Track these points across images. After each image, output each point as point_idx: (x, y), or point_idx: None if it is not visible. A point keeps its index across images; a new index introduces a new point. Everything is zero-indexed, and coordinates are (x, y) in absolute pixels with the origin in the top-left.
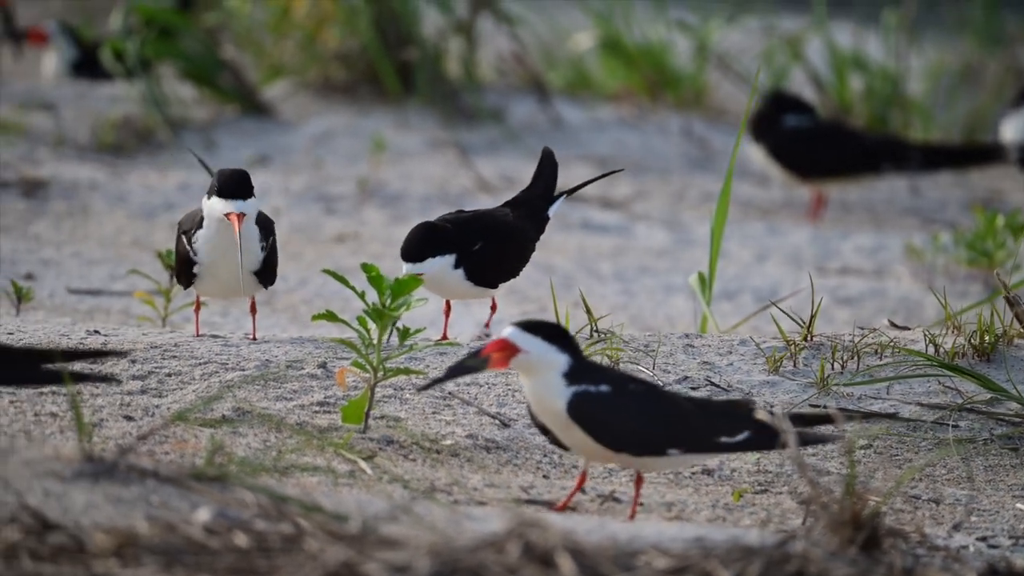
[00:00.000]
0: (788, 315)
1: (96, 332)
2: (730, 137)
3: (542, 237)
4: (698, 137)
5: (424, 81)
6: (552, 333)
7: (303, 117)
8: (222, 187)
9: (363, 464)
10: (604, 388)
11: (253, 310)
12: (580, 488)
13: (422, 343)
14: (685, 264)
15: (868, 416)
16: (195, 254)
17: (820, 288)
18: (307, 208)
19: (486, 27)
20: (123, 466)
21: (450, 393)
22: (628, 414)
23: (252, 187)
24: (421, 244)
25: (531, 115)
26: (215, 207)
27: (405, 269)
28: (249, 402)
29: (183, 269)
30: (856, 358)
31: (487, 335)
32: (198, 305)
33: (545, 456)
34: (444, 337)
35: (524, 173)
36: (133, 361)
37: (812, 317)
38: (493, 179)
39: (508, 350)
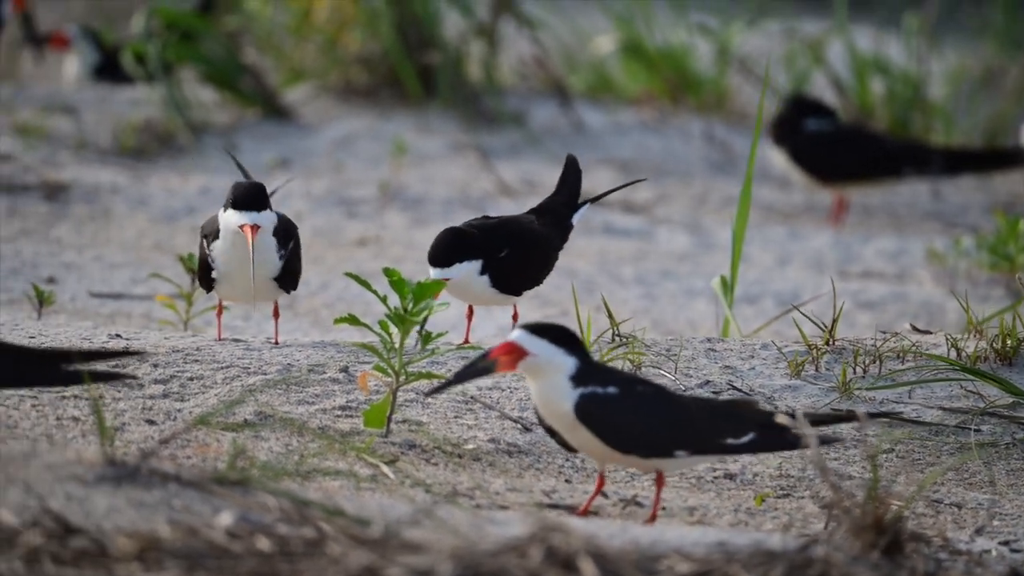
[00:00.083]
0: (810, 319)
1: (118, 336)
2: (752, 141)
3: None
4: (719, 141)
5: (445, 84)
6: (559, 335)
7: (324, 121)
8: (236, 199)
9: (385, 468)
10: (611, 390)
11: (276, 314)
12: (600, 492)
13: (444, 347)
14: (707, 268)
15: (885, 416)
16: (212, 262)
17: (842, 292)
18: (328, 212)
19: (507, 30)
20: (145, 470)
21: (472, 397)
22: (635, 416)
23: (267, 200)
24: (448, 249)
25: (552, 119)
26: (230, 219)
27: (432, 274)
28: (271, 406)
29: (204, 274)
30: (878, 362)
31: None
32: (220, 309)
33: (567, 460)
34: (466, 341)
35: (545, 177)
36: (155, 365)
37: (834, 321)
38: (514, 183)
39: (515, 353)
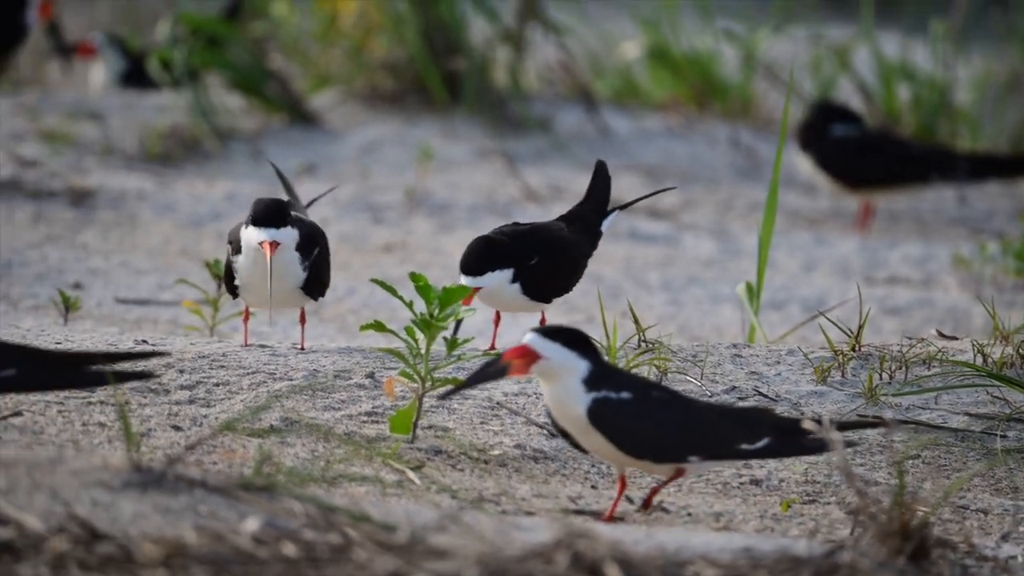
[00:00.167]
0: (836, 325)
1: (144, 342)
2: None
3: None
4: (745, 147)
5: (471, 90)
6: (572, 339)
7: (350, 126)
8: (256, 217)
9: (411, 474)
10: (624, 394)
11: (302, 320)
12: (623, 495)
13: (470, 353)
14: (733, 274)
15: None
16: (236, 273)
17: (868, 298)
18: (354, 217)
19: (533, 36)
20: (171, 476)
21: (498, 403)
22: (648, 420)
23: (287, 216)
24: (480, 258)
25: (578, 124)
26: (250, 236)
27: (463, 282)
28: (297, 412)
29: (229, 281)
30: (904, 368)
31: None
32: (247, 315)
33: (593, 466)
34: (492, 347)
35: (571, 182)
36: (181, 371)
37: (860, 327)
38: (540, 188)
39: (528, 356)
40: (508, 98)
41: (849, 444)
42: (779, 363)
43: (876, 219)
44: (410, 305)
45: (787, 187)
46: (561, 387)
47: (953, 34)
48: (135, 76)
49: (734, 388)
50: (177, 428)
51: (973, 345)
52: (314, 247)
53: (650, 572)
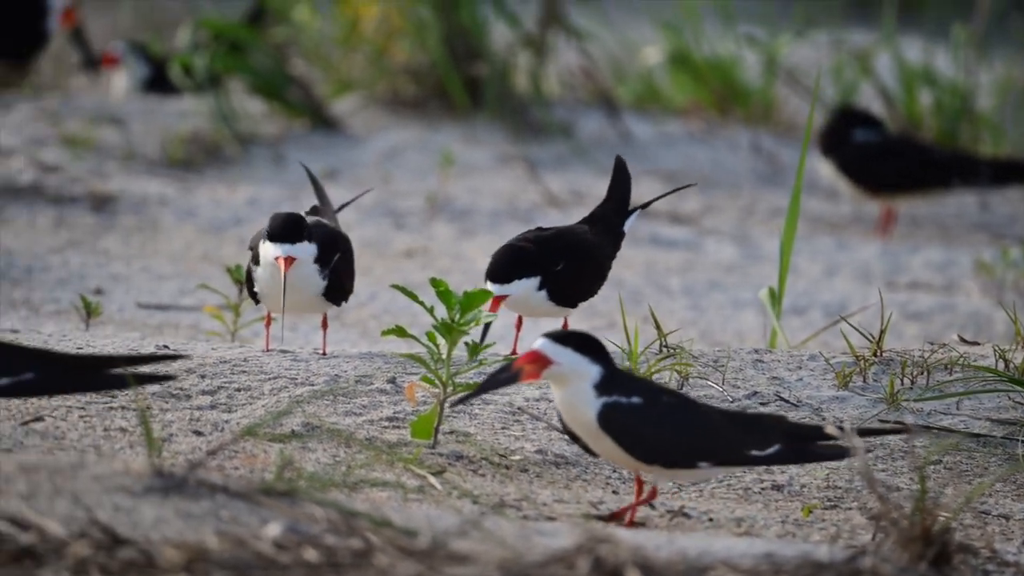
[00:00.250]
0: (857, 330)
1: (165, 347)
2: (799, 152)
3: None
4: (767, 152)
5: (493, 96)
6: (583, 344)
7: (372, 132)
8: (271, 232)
9: (432, 479)
10: (635, 400)
11: (324, 325)
12: (640, 497)
13: (492, 358)
14: (754, 279)
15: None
16: (255, 282)
17: (889, 303)
18: (376, 223)
19: (555, 42)
20: (193, 481)
21: (519, 408)
22: (659, 426)
23: (302, 231)
24: (508, 266)
25: (600, 130)
26: (267, 250)
27: (491, 289)
28: (318, 417)
29: (250, 288)
30: (926, 373)
31: None
32: (268, 320)
33: (614, 471)
34: (514, 352)
35: (593, 188)
36: (202, 376)
37: (881, 332)
38: (562, 194)
39: (540, 362)
40: (529, 103)
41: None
42: (801, 368)
43: (898, 224)
44: (431, 310)
45: (809, 192)
46: (572, 392)
47: (975, 39)
48: (158, 82)
49: (755, 393)
50: (198, 433)
51: (995, 350)
52: (333, 254)
53: None
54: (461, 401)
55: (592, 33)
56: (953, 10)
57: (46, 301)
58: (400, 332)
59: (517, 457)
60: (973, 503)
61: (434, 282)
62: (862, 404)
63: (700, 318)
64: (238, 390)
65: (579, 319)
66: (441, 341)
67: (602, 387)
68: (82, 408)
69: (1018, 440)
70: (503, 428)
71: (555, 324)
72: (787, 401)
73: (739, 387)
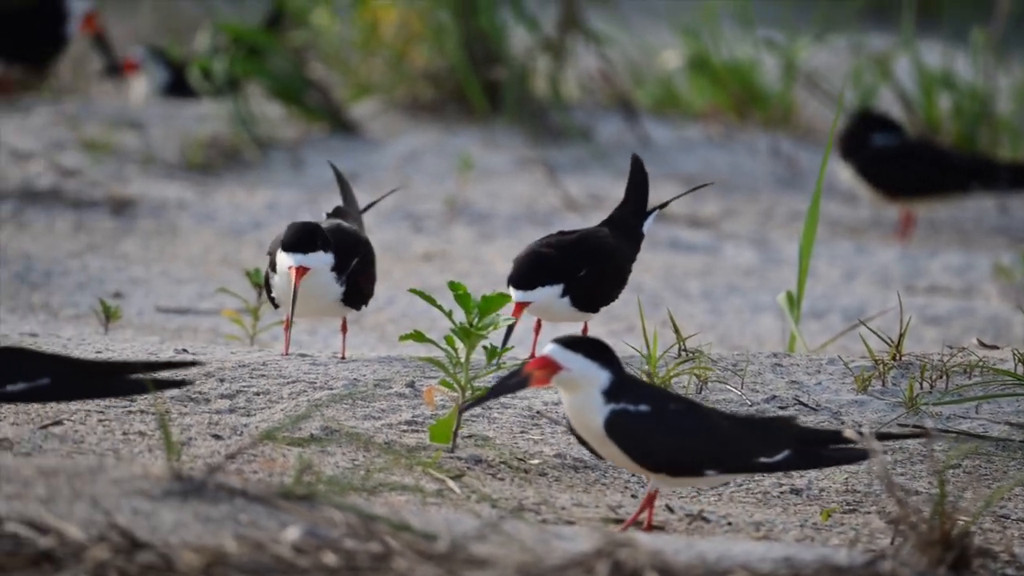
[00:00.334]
0: (876, 334)
1: (184, 351)
2: (818, 156)
3: None
4: (786, 156)
5: (511, 100)
6: (593, 349)
7: (391, 135)
8: (285, 241)
9: (451, 483)
10: (643, 407)
11: (344, 329)
12: (652, 502)
13: (510, 361)
14: (773, 283)
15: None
16: (273, 289)
17: (908, 307)
18: (395, 226)
19: (574, 46)
20: (212, 485)
21: (538, 412)
22: (665, 434)
23: (316, 241)
24: (531, 273)
25: (618, 134)
26: (281, 260)
27: (514, 296)
28: (337, 421)
29: (269, 292)
30: (945, 377)
31: None
32: (288, 324)
33: (633, 476)
34: (532, 355)
35: (612, 192)
36: (221, 380)
37: (900, 336)
38: (581, 198)
39: (550, 367)
40: (548, 107)
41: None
42: (820, 372)
43: (917, 228)
44: (449, 314)
45: (828, 196)
46: (581, 398)
47: (994, 43)
48: (177, 86)
49: (774, 397)
50: (217, 437)
51: (1014, 354)
52: (351, 260)
53: None
54: (471, 406)
55: (611, 37)
56: (972, 14)
57: (65, 305)
58: (418, 336)
59: (536, 461)
60: (992, 507)
61: (452, 286)
62: (881, 408)
63: (719, 322)
64: (257, 394)
65: (598, 323)
66: (459, 345)
67: (610, 393)
68: (101, 412)
69: None
70: (522, 432)
71: (574, 328)
72: (806, 405)
73: (758, 391)
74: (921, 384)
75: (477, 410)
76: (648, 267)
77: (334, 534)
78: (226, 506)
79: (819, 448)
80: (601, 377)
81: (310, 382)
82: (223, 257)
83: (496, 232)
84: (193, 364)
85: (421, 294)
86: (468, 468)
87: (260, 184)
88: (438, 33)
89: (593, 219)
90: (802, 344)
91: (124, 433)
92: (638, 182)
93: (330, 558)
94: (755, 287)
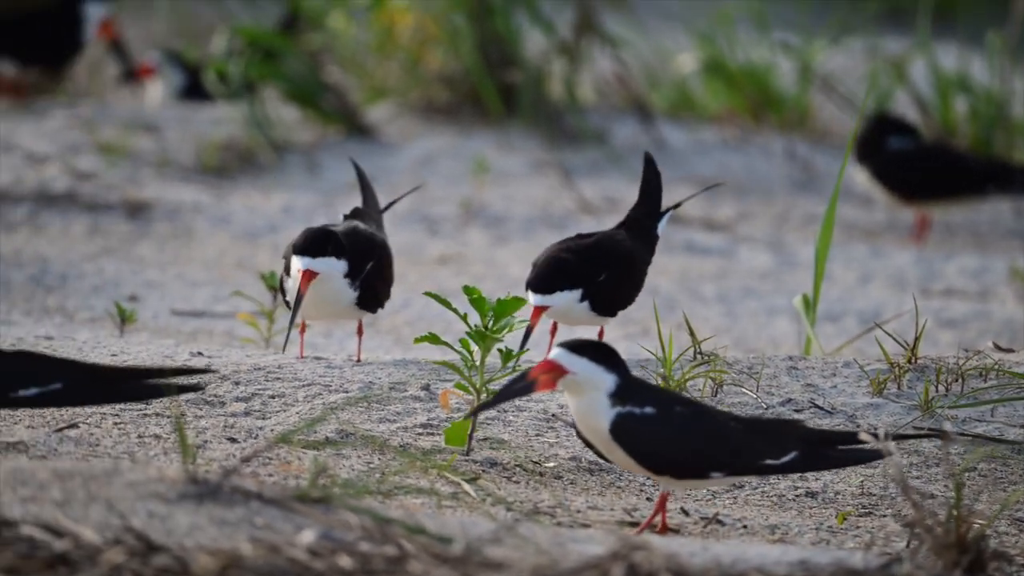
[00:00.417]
0: (892, 337)
1: (199, 354)
2: (834, 159)
3: None
4: (801, 159)
5: (527, 103)
6: (599, 353)
7: (406, 139)
8: (296, 245)
9: (466, 486)
10: (648, 410)
11: (360, 332)
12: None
13: (525, 364)
14: (789, 286)
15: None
16: (287, 293)
17: (924, 310)
18: (410, 229)
19: (589, 49)
20: (227, 488)
21: (553, 415)
22: (670, 437)
23: (327, 246)
24: (550, 278)
25: (634, 137)
26: (294, 264)
27: (533, 301)
28: (352, 424)
29: (284, 297)
30: (960, 380)
31: None
32: (303, 327)
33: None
34: None
35: (627, 195)
36: (237, 383)
37: (916, 339)
38: (596, 201)
39: (556, 371)
40: (564, 111)
41: (877, 455)
42: (835, 375)
43: (932, 231)
44: (464, 317)
45: (843, 199)
46: (587, 401)
47: (1010, 46)
48: (193, 89)
49: (790, 400)
50: (233, 440)
51: None
52: (365, 264)
53: None
54: (476, 412)
55: (626, 40)
56: (988, 17)
57: (81, 308)
58: (433, 339)
59: (551, 464)
60: (1008, 510)
61: (467, 289)
62: (896, 411)
63: (734, 325)
64: (272, 397)
65: (614, 326)
66: (474, 348)
67: (616, 397)
68: (116, 415)
69: None
70: (537, 435)
71: (591, 332)
72: (821, 408)
73: (773, 394)
74: (936, 387)
75: (492, 413)
76: (664, 270)
77: (349, 537)
78: (241, 509)
79: (827, 449)
80: (607, 380)
81: (325, 385)
82: (238, 260)
83: (511, 235)
84: (206, 371)
85: (436, 297)
86: (483, 471)
87: (275, 187)
88: (454, 36)
89: (608, 222)
90: (818, 347)
91: (139, 436)
92: (651, 182)
93: (345, 561)
94: (770, 290)
